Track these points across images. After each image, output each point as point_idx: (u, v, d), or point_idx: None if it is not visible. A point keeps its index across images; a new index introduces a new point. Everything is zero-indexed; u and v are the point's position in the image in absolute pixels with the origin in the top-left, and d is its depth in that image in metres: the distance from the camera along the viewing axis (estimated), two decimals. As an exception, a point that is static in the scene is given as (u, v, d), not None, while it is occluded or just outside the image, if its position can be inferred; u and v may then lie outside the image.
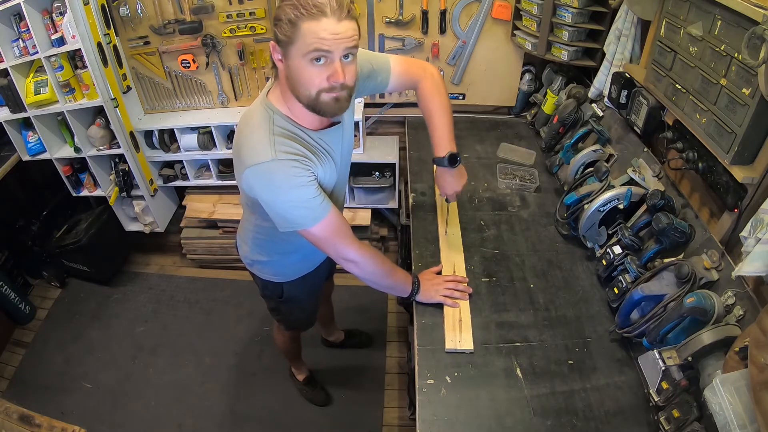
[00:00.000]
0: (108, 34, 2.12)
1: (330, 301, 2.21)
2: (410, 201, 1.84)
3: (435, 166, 1.51)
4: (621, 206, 1.51)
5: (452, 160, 1.45)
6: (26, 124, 2.37)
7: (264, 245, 1.47)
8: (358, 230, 2.58)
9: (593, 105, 1.89)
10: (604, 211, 1.52)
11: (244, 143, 1.15)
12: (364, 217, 2.61)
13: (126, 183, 2.52)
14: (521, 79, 2.31)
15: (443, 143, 1.45)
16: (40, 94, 2.20)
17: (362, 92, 1.41)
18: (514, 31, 2.15)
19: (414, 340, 1.37)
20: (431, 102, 1.46)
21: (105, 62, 2.13)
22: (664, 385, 1.16)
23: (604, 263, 1.48)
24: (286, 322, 1.82)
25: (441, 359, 1.31)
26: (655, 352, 1.19)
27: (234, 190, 2.72)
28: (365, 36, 2.21)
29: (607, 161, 1.72)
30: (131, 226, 2.78)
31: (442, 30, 2.18)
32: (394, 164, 2.48)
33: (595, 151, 1.74)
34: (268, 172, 1.10)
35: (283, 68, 1.10)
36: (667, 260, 1.33)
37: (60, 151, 2.48)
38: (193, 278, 2.84)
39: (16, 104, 2.24)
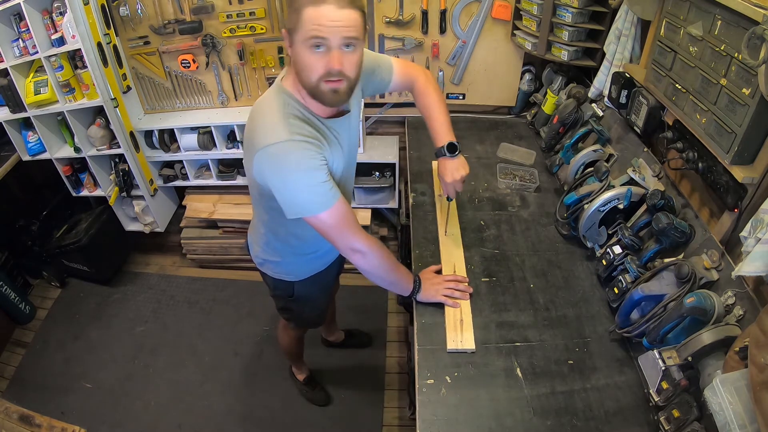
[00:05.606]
0: (108, 34, 2.12)
1: (333, 300, 2.21)
2: (410, 201, 1.84)
3: (435, 161, 1.51)
4: (621, 206, 1.51)
5: (451, 148, 1.47)
6: (26, 124, 2.37)
7: (276, 247, 1.47)
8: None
9: (593, 105, 1.89)
10: (604, 211, 1.52)
11: (257, 125, 1.16)
12: (364, 217, 2.61)
13: (126, 183, 2.52)
14: (521, 79, 2.31)
15: (442, 134, 1.49)
16: (40, 94, 2.20)
17: (366, 90, 1.44)
18: (514, 31, 2.15)
19: (414, 340, 1.37)
20: (427, 97, 1.51)
21: (105, 62, 2.13)
22: (664, 385, 1.16)
23: (604, 263, 1.48)
24: (296, 320, 1.81)
25: (441, 359, 1.31)
26: (655, 352, 1.19)
27: (234, 190, 2.71)
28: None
29: (607, 161, 1.72)
30: (131, 226, 2.78)
31: (442, 30, 2.18)
32: (394, 164, 2.48)
33: (595, 151, 1.74)
34: (281, 152, 1.10)
35: (290, 55, 1.12)
36: (667, 260, 1.33)
37: (60, 151, 2.48)
38: (193, 278, 2.84)
39: (16, 104, 2.24)
